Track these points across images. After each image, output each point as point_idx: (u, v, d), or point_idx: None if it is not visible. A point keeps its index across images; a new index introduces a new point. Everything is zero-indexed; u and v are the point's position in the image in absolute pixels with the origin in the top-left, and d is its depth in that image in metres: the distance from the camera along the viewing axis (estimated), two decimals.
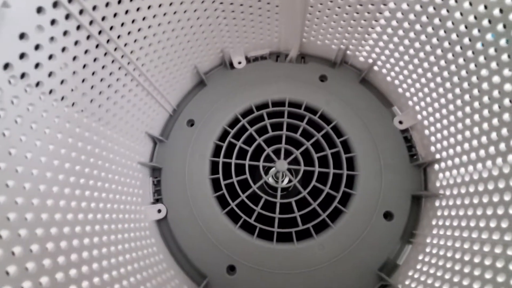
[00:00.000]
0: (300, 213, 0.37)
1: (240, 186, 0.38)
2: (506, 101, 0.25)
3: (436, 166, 0.36)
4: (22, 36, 0.20)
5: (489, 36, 0.25)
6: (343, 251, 0.35)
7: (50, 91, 0.22)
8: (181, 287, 0.33)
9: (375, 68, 0.41)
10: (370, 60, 0.41)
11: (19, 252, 0.19)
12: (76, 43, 0.23)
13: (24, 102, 0.20)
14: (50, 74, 0.22)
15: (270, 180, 0.42)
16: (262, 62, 0.46)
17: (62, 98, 0.23)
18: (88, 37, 0.25)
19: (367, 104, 0.42)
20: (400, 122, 0.41)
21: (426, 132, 0.37)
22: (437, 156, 0.35)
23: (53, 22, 0.21)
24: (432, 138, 0.36)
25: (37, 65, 0.21)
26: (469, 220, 0.27)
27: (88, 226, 0.25)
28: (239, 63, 0.46)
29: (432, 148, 0.37)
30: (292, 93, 0.43)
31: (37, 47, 0.21)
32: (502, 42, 0.24)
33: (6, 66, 0.19)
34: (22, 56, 0.20)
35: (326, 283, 0.34)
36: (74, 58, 0.24)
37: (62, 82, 0.23)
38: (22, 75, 0.20)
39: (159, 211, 0.38)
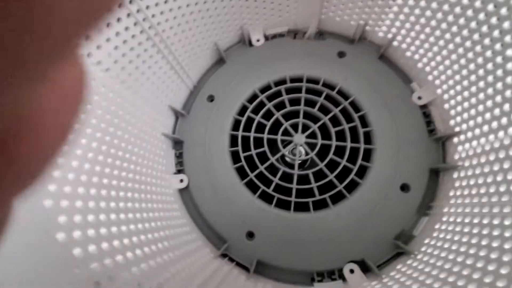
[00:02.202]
0: (317, 184, 0.38)
1: (258, 159, 0.40)
2: None
3: (455, 139, 0.36)
4: None
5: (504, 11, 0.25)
6: (359, 220, 0.36)
7: (88, 54, 0.24)
8: (203, 249, 0.34)
9: (395, 43, 0.41)
10: (390, 35, 0.41)
11: (66, 205, 0.21)
12: (118, 19, 0.25)
13: None
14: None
15: (287, 157, 0.43)
16: (280, 40, 0.47)
17: (98, 62, 0.25)
18: (119, 5, 0.26)
19: (385, 80, 0.42)
20: (419, 98, 0.40)
21: (446, 106, 0.37)
22: (457, 129, 0.35)
23: None
24: (452, 112, 0.36)
25: None
26: (489, 186, 0.27)
27: (121, 191, 0.27)
28: (258, 40, 0.46)
29: (452, 122, 0.37)
30: (310, 69, 0.43)
31: None
32: None
33: None
34: None
35: (342, 250, 0.35)
36: (108, 24, 0.25)
37: (98, 47, 0.25)
38: None
39: (181, 180, 0.40)
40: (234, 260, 0.36)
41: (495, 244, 0.23)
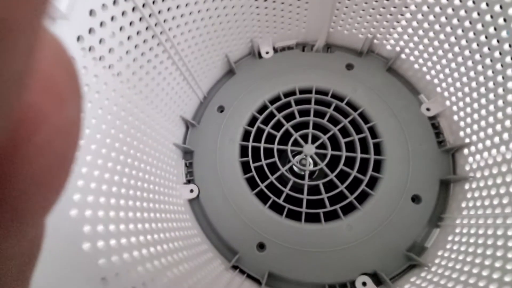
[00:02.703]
0: (327, 195, 0.38)
1: (269, 169, 0.40)
2: None
3: (466, 151, 0.36)
4: (91, 12, 0.22)
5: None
6: (371, 232, 0.36)
7: (100, 57, 0.24)
8: (215, 260, 0.34)
9: (403, 56, 0.42)
10: (398, 48, 0.42)
11: (90, 214, 0.21)
12: (130, 23, 0.26)
13: (91, 72, 0.22)
14: (101, 41, 0.24)
15: (296, 168, 0.43)
16: (289, 52, 0.48)
17: (110, 66, 0.25)
18: (140, 19, 0.27)
19: (394, 91, 0.43)
20: (428, 109, 0.41)
21: (455, 117, 0.38)
22: (467, 140, 0.36)
23: (115, 2, 0.23)
24: (461, 123, 0.37)
25: (100, 41, 0.23)
26: (502, 197, 0.28)
27: (136, 191, 0.27)
28: (267, 53, 0.47)
29: (461, 133, 0.37)
30: (319, 81, 0.44)
31: (101, 24, 0.23)
32: None
33: (78, 38, 0.21)
34: (90, 31, 0.22)
35: (354, 262, 0.35)
36: (121, 28, 0.26)
37: (110, 50, 0.25)
38: (90, 48, 0.22)
39: (191, 191, 0.40)
40: (245, 272, 0.36)
41: (511, 255, 0.23)
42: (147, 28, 0.28)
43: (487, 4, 0.28)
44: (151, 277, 0.24)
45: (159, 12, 0.29)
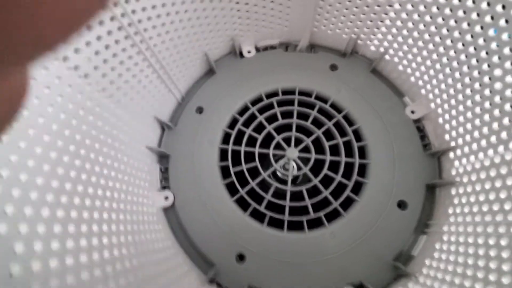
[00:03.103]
0: (311, 201, 0.36)
1: (250, 174, 0.37)
2: None
3: (451, 154, 0.35)
4: None
5: (502, 22, 0.25)
6: (356, 240, 0.34)
7: (64, 58, 0.21)
8: (190, 274, 0.31)
9: (387, 57, 0.41)
10: (382, 49, 0.41)
11: (25, 231, 0.18)
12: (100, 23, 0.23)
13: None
14: None
15: (278, 173, 0.41)
16: (271, 52, 0.46)
17: (76, 68, 0.23)
18: (103, 7, 0.24)
19: (378, 93, 0.42)
20: (412, 112, 0.40)
21: (440, 120, 0.37)
22: (452, 144, 0.35)
23: None
24: (447, 126, 0.36)
25: None
26: (492, 204, 0.26)
27: (97, 200, 0.24)
28: (249, 52, 0.45)
29: (447, 137, 0.36)
30: (302, 81, 0.42)
31: None
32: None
33: None
34: None
35: (339, 273, 0.33)
36: (88, 27, 0.23)
37: (76, 50, 0.22)
38: None
39: (166, 198, 0.37)
40: (222, 286, 0.33)
41: (506, 268, 0.22)
42: (112, 19, 0.25)
43: (473, 2, 0.27)
44: None
45: (126, 1, 0.26)
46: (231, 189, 0.37)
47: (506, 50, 0.25)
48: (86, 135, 0.24)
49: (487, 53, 0.27)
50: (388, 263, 0.33)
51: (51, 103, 0.20)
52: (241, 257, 0.34)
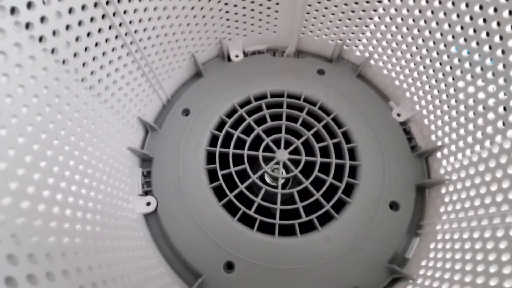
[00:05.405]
0: (302, 203, 0.35)
1: (238, 177, 0.36)
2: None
3: (439, 154, 0.35)
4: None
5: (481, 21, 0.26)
6: (350, 243, 0.33)
7: (41, 38, 0.20)
8: (173, 286, 0.28)
9: (372, 62, 0.42)
10: (367, 54, 0.42)
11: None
12: (83, 7, 0.22)
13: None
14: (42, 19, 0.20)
15: (268, 176, 0.40)
16: (259, 56, 0.46)
17: (53, 51, 0.21)
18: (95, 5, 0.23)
19: (365, 97, 0.42)
20: (398, 115, 0.41)
21: (426, 121, 0.37)
22: (439, 143, 0.35)
23: None
24: (432, 127, 0.36)
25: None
26: (483, 198, 0.26)
27: (70, 197, 0.21)
28: (237, 56, 0.45)
29: (433, 137, 0.36)
30: (290, 85, 0.42)
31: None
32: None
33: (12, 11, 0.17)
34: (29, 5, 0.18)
35: (334, 278, 0.31)
36: (70, 10, 0.22)
37: (54, 33, 0.21)
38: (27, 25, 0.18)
39: (148, 203, 0.34)
40: None
41: (505, 258, 0.21)
42: (103, 16, 0.24)
43: (453, 4, 0.28)
44: None
45: (118, 1, 0.25)
46: (219, 194, 0.35)
47: (486, 48, 0.26)
48: (60, 124, 0.22)
49: (468, 52, 0.28)
50: (384, 266, 0.32)
51: (21, 84, 0.18)
52: (229, 266, 0.32)
